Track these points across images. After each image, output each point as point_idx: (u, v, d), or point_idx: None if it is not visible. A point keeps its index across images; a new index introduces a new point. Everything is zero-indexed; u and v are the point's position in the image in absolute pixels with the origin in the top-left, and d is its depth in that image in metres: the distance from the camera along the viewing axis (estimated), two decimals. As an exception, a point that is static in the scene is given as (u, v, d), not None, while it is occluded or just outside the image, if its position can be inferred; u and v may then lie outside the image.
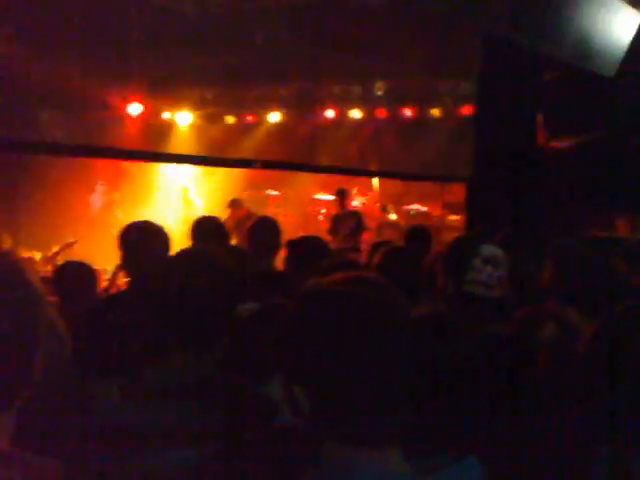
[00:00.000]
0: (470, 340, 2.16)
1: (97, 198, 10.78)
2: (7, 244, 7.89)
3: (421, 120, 10.45)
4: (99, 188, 10.73)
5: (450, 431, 1.66)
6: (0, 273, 1.02)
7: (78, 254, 8.89)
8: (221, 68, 10.32)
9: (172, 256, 1.83)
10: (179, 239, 3.42)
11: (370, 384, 1.08)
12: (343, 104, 11.04)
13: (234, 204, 9.06)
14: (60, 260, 7.73)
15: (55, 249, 7.66)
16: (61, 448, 1.47)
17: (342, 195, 9.09)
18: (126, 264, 2.93)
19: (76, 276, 3.66)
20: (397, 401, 1.10)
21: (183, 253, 1.91)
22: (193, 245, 3.42)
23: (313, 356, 1.10)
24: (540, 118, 5.60)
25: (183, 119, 11.85)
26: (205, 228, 3.54)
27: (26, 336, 1.01)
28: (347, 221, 8.63)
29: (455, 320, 2.26)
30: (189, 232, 3.53)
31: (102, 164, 10.86)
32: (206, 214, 3.76)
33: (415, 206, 11.21)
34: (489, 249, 2.26)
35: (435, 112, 10.41)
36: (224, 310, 1.73)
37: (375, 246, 4.12)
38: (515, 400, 1.89)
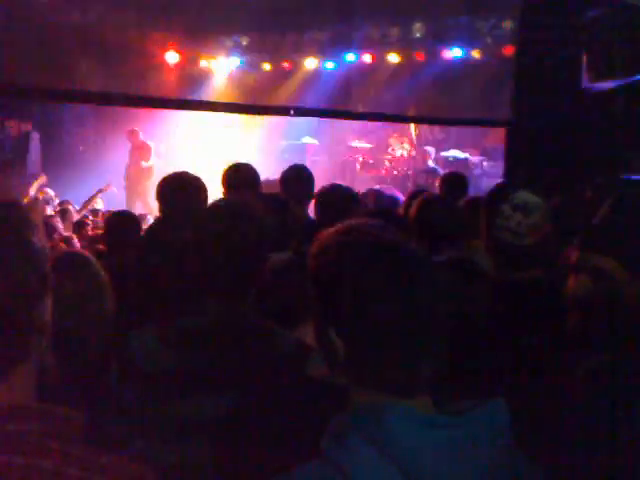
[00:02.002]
0: (493, 286, 2.16)
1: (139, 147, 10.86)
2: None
3: (460, 62, 10.16)
4: (140, 135, 10.80)
5: (477, 374, 1.67)
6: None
7: (120, 203, 9.08)
8: (256, 14, 10.15)
9: (206, 207, 1.84)
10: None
11: (400, 331, 1.08)
12: (380, 48, 10.79)
13: None
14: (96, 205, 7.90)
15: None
16: (97, 395, 1.52)
17: None
18: (166, 217, 3.00)
19: (119, 226, 3.76)
20: (429, 347, 1.10)
21: (217, 204, 1.93)
22: (225, 193, 3.44)
23: (344, 303, 1.10)
24: (584, 58, 5.38)
25: (219, 67, 11.78)
26: (237, 176, 3.53)
27: (26, 284, 1.01)
28: None
29: (478, 267, 2.25)
30: (222, 180, 3.53)
31: (143, 113, 10.93)
32: (237, 162, 3.74)
33: (454, 152, 11.02)
34: (521, 196, 2.21)
35: (475, 53, 10.11)
36: (256, 260, 1.75)
37: (412, 195, 4.09)
38: (541, 347, 1.88)
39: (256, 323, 1.71)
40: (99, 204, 8.19)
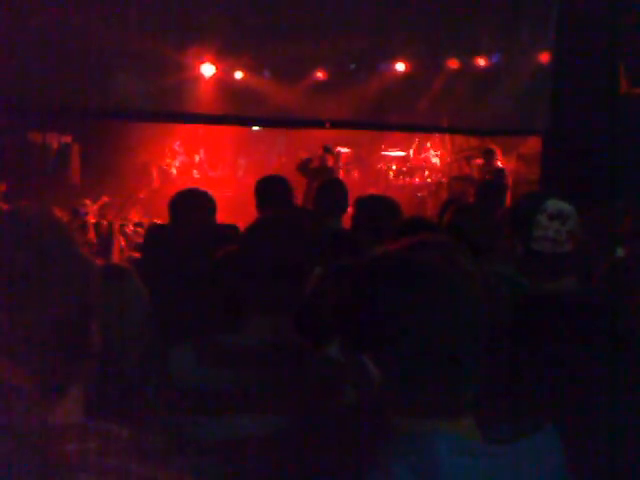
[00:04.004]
0: (540, 300, 2.13)
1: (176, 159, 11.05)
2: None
3: (496, 69, 10.08)
4: (178, 149, 10.97)
5: (525, 397, 1.62)
6: (48, 246, 1.05)
7: (155, 212, 9.22)
8: (290, 25, 10.24)
9: (252, 223, 1.85)
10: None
11: (442, 351, 1.06)
12: (414, 57, 10.78)
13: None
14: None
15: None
16: (138, 412, 1.54)
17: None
18: (174, 226, 3.14)
19: (158, 236, 3.83)
20: (471, 368, 1.08)
21: (263, 220, 1.93)
22: (258, 206, 3.49)
23: (383, 325, 1.08)
24: (621, 65, 5.31)
25: (255, 78, 11.89)
26: (270, 189, 3.57)
27: (78, 308, 1.04)
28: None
29: (524, 280, 2.23)
30: (255, 192, 3.57)
31: (180, 126, 11.11)
32: (270, 174, 3.78)
33: (489, 159, 10.91)
34: (555, 204, 2.20)
35: (511, 60, 10.01)
36: (300, 277, 1.74)
37: (446, 204, 4.07)
38: (592, 365, 1.83)
39: (295, 342, 1.71)
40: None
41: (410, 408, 1.07)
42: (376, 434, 1.12)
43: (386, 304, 1.08)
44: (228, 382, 1.59)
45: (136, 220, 8.16)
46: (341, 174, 9.98)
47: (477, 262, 2.66)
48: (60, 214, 7.91)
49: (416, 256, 1.16)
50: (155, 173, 10.48)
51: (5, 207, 9.26)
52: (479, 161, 10.78)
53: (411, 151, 11.78)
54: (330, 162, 9.09)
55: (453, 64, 10.39)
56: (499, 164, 9.41)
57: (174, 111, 8.68)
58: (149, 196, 10.36)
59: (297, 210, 3.52)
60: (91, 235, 6.29)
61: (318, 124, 7.33)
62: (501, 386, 1.44)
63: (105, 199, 8.53)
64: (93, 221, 6.94)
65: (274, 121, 7.88)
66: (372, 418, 1.16)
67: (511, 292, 2.07)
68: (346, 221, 3.75)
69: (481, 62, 10.13)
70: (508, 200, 6.74)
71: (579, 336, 1.91)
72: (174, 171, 10.68)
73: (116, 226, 7.16)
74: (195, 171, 11.61)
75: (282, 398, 1.56)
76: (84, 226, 6.27)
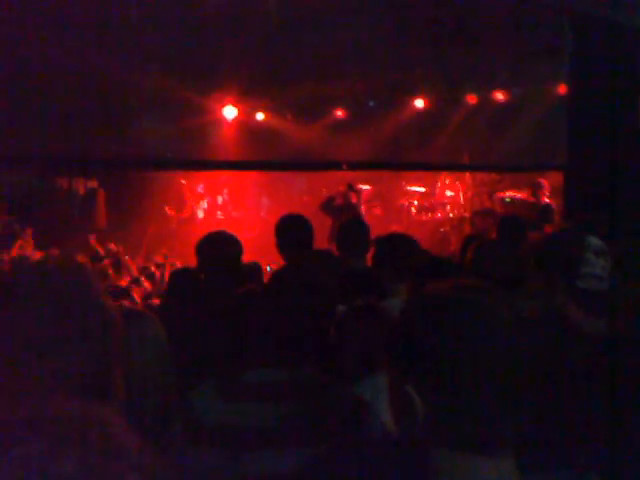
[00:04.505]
0: (594, 340, 2.08)
1: (200, 202, 11.21)
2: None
3: (513, 104, 10.13)
4: (201, 192, 11.14)
5: (570, 442, 1.58)
6: (71, 294, 1.07)
7: (181, 256, 9.30)
8: (309, 66, 10.43)
9: (273, 274, 1.90)
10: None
11: (486, 388, 1.07)
12: (432, 93, 10.89)
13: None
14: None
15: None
16: (158, 447, 1.55)
17: None
18: (201, 269, 3.16)
19: (179, 280, 3.86)
20: (513, 406, 1.09)
21: (283, 271, 1.96)
22: (278, 246, 3.51)
23: (430, 361, 1.11)
24: (639, 98, 5.31)
25: (275, 119, 12.09)
26: (290, 230, 3.59)
27: (101, 356, 1.05)
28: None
29: (572, 319, 2.18)
30: (275, 233, 3.59)
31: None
32: (291, 214, 3.81)
33: (510, 193, 10.89)
34: (594, 240, 2.20)
35: (528, 94, 10.06)
36: (321, 327, 1.78)
37: (468, 240, 4.06)
38: None
39: (318, 379, 1.74)
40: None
41: (452, 441, 1.08)
42: (416, 469, 1.12)
43: (437, 341, 1.12)
44: (251, 418, 1.61)
45: (160, 262, 8.25)
46: (363, 211, 10.01)
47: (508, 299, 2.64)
48: (84, 259, 8.04)
49: (465, 296, 1.19)
50: (178, 213, 10.62)
51: (30, 250, 9.44)
52: (501, 194, 10.76)
53: (435, 185, 11.80)
54: (353, 199, 9.14)
55: (471, 99, 10.47)
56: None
57: (196, 159, 8.84)
58: (172, 237, 10.47)
59: (319, 254, 3.55)
60: (114, 279, 6.36)
61: (336, 166, 7.39)
62: (545, 432, 1.42)
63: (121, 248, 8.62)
64: (118, 264, 7.03)
65: (293, 164, 7.97)
66: (413, 453, 1.17)
67: (561, 329, 2.04)
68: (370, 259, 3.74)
69: (499, 96, 10.21)
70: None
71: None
72: (200, 214, 10.82)
73: (140, 269, 7.25)
74: (219, 212, 11.75)
75: (304, 433, 1.57)
76: (104, 272, 6.35)
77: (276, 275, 1.88)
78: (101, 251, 8.12)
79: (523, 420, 1.09)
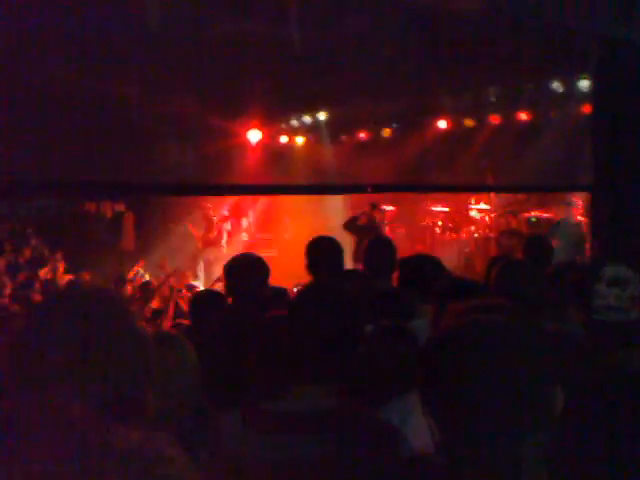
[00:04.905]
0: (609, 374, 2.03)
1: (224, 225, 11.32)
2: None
3: (537, 124, 10.10)
4: (226, 214, 11.27)
5: (591, 463, 1.58)
6: (106, 319, 1.10)
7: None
8: (333, 90, 10.52)
9: (298, 293, 1.90)
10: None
11: (510, 411, 1.09)
12: (455, 113, 10.91)
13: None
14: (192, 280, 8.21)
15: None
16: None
17: None
18: (229, 292, 3.18)
19: (206, 303, 3.89)
20: (534, 427, 1.10)
21: (309, 290, 1.95)
22: (308, 266, 3.53)
23: (455, 383, 1.12)
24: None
25: (298, 141, 12.20)
26: (320, 251, 3.61)
27: (134, 379, 1.08)
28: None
29: (588, 346, 2.15)
30: (305, 254, 3.61)
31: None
32: (320, 235, 3.83)
33: (536, 212, 10.82)
34: (612, 270, 2.15)
35: (552, 114, 10.03)
36: (349, 347, 1.76)
37: (493, 260, 4.05)
38: None
39: (344, 407, 1.72)
40: (197, 280, 8.49)
41: (468, 462, 1.09)
42: None
43: (456, 370, 1.13)
44: (276, 449, 1.60)
45: (189, 283, 8.33)
46: (387, 231, 10.01)
47: (531, 320, 2.62)
48: (113, 281, 8.14)
49: (484, 321, 1.20)
50: (216, 227, 10.71)
51: (60, 274, 9.57)
52: (526, 214, 10.70)
53: (459, 205, 11.76)
54: (378, 219, 9.16)
55: (494, 120, 10.45)
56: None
57: (221, 183, 8.93)
58: (198, 259, 10.56)
59: (347, 274, 3.56)
60: (143, 301, 6.44)
61: (360, 190, 7.40)
62: (566, 453, 1.41)
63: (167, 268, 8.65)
64: (147, 286, 7.11)
65: (318, 188, 8.00)
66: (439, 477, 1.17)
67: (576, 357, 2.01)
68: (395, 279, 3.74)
69: (523, 117, 10.18)
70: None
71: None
72: (225, 235, 10.92)
73: (170, 291, 7.32)
74: (244, 234, 11.84)
75: (331, 464, 1.56)
76: (134, 294, 6.44)
77: (302, 293, 1.87)
78: (130, 274, 8.22)
79: (545, 442, 1.10)
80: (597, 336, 2.17)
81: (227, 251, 10.25)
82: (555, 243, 6.57)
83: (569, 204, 8.85)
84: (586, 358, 1.98)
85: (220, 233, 10.76)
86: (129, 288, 7.33)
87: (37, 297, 5.56)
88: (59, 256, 10.70)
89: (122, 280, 7.94)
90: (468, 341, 1.15)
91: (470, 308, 1.78)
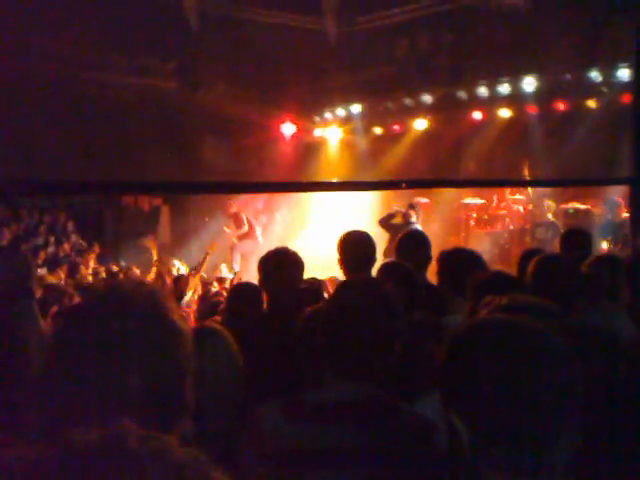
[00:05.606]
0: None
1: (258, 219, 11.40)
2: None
3: (575, 115, 9.90)
4: (260, 209, 11.35)
5: (619, 462, 1.58)
6: (142, 312, 1.11)
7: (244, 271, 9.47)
8: (366, 82, 10.50)
9: (339, 285, 1.91)
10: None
11: (532, 412, 1.09)
12: (491, 104, 10.77)
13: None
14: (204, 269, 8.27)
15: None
16: (226, 467, 1.58)
17: None
18: (264, 286, 3.20)
19: (243, 295, 3.93)
20: (558, 429, 1.10)
21: (348, 282, 1.98)
22: (341, 261, 3.53)
23: (477, 384, 1.13)
24: None
25: (333, 135, 12.20)
26: (354, 244, 3.60)
27: (173, 372, 1.10)
28: None
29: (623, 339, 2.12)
30: (337, 248, 3.61)
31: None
32: (353, 229, 3.82)
33: (573, 204, 10.63)
34: None
35: (590, 103, 9.81)
36: (388, 338, 1.78)
37: (527, 254, 3.98)
38: None
39: (382, 399, 1.74)
40: (224, 272, 8.58)
41: (503, 465, 1.09)
42: None
43: (482, 368, 1.13)
44: (316, 439, 1.63)
45: (226, 277, 8.41)
46: (421, 226, 9.96)
47: (565, 315, 2.59)
48: (150, 274, 8.27)
49: (515, 322, 1.20)
50: (246, 221, 10.78)
51: (95, 266, 9.75)
52: (564, 205, 10.52)
53: (494, 198, 11.62)
54: (414, 218, 9.10)
55: (531, 110, 10.27)
56: (624, 215, 8.57)
57: (255, 182, 8.97)
58: (232, 252, 10.64)
59: (387, 266, 3.54)
60: (179, 293, 6.53)
61: (395, 186, 7.35)
62: (594, 454, 1.41)
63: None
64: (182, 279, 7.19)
65: (353, 184, 7.96)
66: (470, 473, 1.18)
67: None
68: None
69: (560, 107, 9.98)
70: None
71: None
72: (258, 229, 10.98)
73: (203, 284, 7.41)
74: (277, 226, 11.91)
75: (370, 454, 1.58)
76: (170, 288, 6.54)
77: (341, 288, 1.88)
78: (165, 268, 8.35)
79: (573, 443, 1.10)
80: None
81: (263, 244, 10.31)
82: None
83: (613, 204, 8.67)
84: (618, 353, 1.96)
85: (252, 227, 10.82)
86: (167, 281, 7.44)
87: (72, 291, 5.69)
88: (97, 250, 10.93)
89: (159, 274, 8.07)
90: (488, 341, 1.15)
91: (500, 309, 1.77)
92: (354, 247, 3.57)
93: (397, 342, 1.79)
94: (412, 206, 9.14)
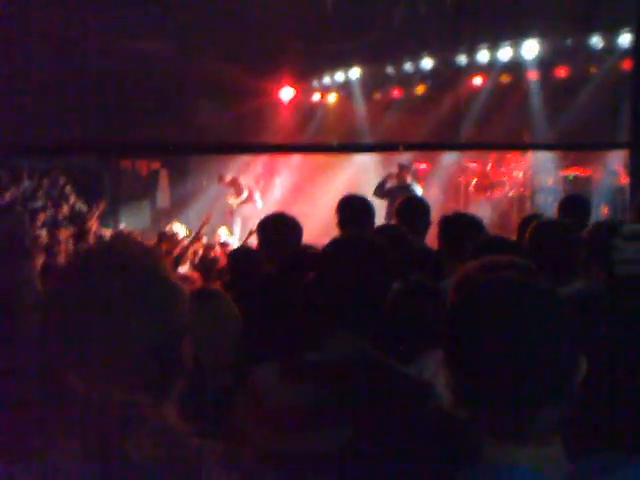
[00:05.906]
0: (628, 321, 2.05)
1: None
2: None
3: (575, 80, 9.83)
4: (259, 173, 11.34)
5: (619, 426, 1.54)
6: (139, 273, 1.13)
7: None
8: (366, 47, 10.39)
9: (333, 242, 1.91)
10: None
11: (527, 374, 1.06)
12: (491, 70, 10.68)
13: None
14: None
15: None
16: (223, 426, 1.61)
17: None
18: (262, 249, 3.24)
19: (243, 259, 3.96)
20: (556, 392, 1.08)
21: (342, 239, 1.99)
22: (339, 225, 3.54)
23: (470, 346, 1.10)
24: None
25: (331, 99, 12.11)
26: (352, 208, 3.61)
27: (169, 331, 1.12)
28: None
29: (609, 301, 2.15)
30: (336, 212, 3.62)
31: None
32: (351, 193, 3.84)
33: (574, 170, 10.60)
34: (629, 227, 2.19)
35: (591, 70, 9.74)
36: (380, 294, 1.79)
37: (527, 219, 3.98)
38: None
39: (377, 359, 1.75)
40: (224, 236, 8.60)
41: (496, 430, 1.08)
42: (459, 460, 1.14)
43: (480, 328, 1.10)
44: (311, 398, 1.66)
45: (221, 240, 8.44)
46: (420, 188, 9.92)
47: (557, 281, 2.60)
48: (150, 237, 8.29)
49: (502, 277, 1.20)
50: (245, 186, 10.77)
51: (95, 226, 9.76)
52: (564, 172, 10.50)
53: (494, 163, 11.56)
54: (408, 179, 9.00)
55: (531, 76, 10.18)
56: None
57: (254, 143, 8.93)
58: (232, 216, 10.65)
59: (377, 227, 3.56)
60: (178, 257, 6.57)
61: (392, 148, 7.32)
62: (593, 411, 1.42)
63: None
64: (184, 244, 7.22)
65: (350, 147, 7.95)
66: (459, 431, 1.20)
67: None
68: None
69: (561, 73, 9.90)
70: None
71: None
72: (257, 194, 10.97)
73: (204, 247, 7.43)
74: (276, 191, 11.88)
75: (363, 413, 1.61)
76: (170, 250, 6.56)
77: (333, 244, 1.88)
78: (165, 231, 8.35)
79: (569, 404, 1.08)
80: (616, 289, 2.19)
81: (262, 208, 10.30)
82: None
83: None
84: (607, 316, 1.99)
85: (251, 191, 10.81)
86: (166, 244, 7.46)
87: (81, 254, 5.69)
88: (96, 212, 10.90)
89: (159, 236, 8.08)
90: (487, 301, 1.13)
91: (487, 266, 1.79)
92: (352, 210, 3.58)
93: (387, 295, 1.80)
94: (402, 166, 8.94)
